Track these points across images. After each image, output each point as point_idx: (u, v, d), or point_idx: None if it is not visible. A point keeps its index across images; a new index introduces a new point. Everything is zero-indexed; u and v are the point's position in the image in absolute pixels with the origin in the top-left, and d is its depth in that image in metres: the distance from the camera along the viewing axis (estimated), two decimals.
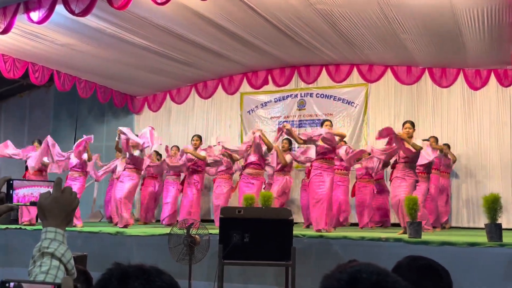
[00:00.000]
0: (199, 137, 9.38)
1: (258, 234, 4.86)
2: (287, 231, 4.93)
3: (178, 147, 10.36)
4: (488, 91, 10.07)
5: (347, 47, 9.78)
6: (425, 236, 6.16)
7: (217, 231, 5.24)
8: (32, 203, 1.59)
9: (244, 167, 8.65)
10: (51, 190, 1.43)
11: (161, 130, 12.67)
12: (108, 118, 13.23)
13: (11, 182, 1.58)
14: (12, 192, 1.58)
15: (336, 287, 1.06)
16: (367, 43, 9.47)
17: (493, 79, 10.01)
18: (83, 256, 4.69)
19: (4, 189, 1.57)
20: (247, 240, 4.84)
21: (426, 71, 10.52)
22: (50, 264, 1.29)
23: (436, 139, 9.25)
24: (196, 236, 5.21)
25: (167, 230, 5.79)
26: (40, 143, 9.63)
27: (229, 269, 5.64)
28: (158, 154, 10.99)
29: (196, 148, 9.11)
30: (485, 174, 9.84)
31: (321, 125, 7.78)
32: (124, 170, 8.94)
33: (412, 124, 7.47)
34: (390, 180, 7.72)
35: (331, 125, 7.75)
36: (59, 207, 1.40)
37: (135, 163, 8.71)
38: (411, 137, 7.34)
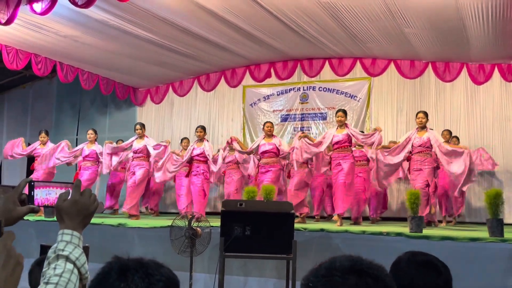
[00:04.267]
0: (203, 128, 9.09)
1: (259, 227, 4.87)
2: (288, 224, 4.94)
3: (188, 140, 10.40)
4: (491, 85, 10.04)
5: (350, 40, 9.75)
6: (426, 231, 6.16)
7: (218, 223, 5.25)
8: (47, 207, 1.60)
9: (260, 157, 8.59)
10: (70, 190, 1.43)
11: (163, 122, 12.70)
12: (111, 110, 13.25)
13: (32, 183, 1.59)
14: (33, 193, 1.59)
15: (315, 281, 1.10)
16: (370, 37, 9.44)
17: (496, 73, 9.98)
18: (85, 248, 4.71)
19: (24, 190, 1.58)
20: (248, 233, 4.85)
21: (430, 65, 10.49)
22: (64, 267, 1.29)
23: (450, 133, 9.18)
24: (198, 228, 5.23)
25: (168, 222, 5.80)
26: (47, 134, 9.66)
27: (230, 262, 5.66)
28: None
29: (200, 140, 8.98)
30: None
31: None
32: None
33: (425, 114, 7.72)
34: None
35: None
36: (77, 210, 1.39)
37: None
38: (424, 126, 7.59)
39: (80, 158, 9.61)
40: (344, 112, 8.12)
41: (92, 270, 1.20)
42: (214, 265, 5.29)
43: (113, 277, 1.11)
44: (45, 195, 1.61)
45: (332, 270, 1.09)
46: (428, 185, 7.45)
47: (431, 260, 1.79)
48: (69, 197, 1.41)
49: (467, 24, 8.19)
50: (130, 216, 8.74)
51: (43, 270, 1.30)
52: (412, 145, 7.64)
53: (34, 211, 1.56)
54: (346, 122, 8.01)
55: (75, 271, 1.30)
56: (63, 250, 1.32)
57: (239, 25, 8.98)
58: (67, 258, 1.30)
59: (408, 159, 7.83)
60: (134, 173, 9.01)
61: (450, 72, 10.35)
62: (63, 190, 1.47)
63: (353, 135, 7.84)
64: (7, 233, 1.15)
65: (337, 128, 8.00)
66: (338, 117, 8.00)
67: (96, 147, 9.44)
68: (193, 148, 8.88)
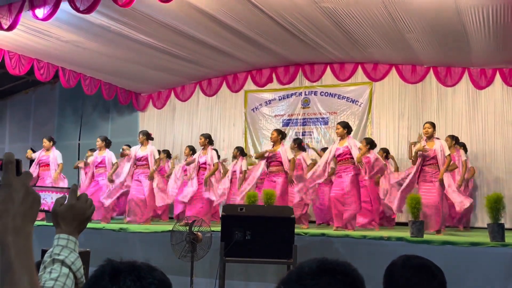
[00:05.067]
0: (203, 136, 9.05)
1: (259, 231, 4.88)
2: (289, 229, 4.94)
3: (189, 148, 10.33)
4: (493, 90, 10.03)
5: (352, 45, 9.76)
6: (427, 236, 6.16)
7: (219, 228, 5.26)
8: (42, 211, 1.61)
9: (268, 165, 8.53)
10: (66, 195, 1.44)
11: (165, 128, 12.73)
12: (113, 115, 13.27)
13: None
14: None
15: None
16: (371, 42, 9.45)
17: (498, 78, 9.97)
18: (86, 252, 4.70)
19: None
20: (248, 237, 4.87)
21: (431, 70, 10.49)
22: (60, 272, 1.30)
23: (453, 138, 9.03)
24: (198, 233, 5.23)
25: (169, 227, 5.81)
26: (50, 140, 9.60)
27: (230, 266, 5.66)
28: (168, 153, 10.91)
29: (203, 147, 9.00)
30: (490, 173, 9.81)
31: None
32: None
33: (432, 124, 7.52)
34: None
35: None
36: (73, 215, 1.40)
37: None
38: (431, 136, 7.41)
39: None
40: (342, 124, 7.82)
41: None
42: (214, 269, 5.30)
43: (106, 279, 1.12)
44: (41, 200, 1.62)
45: (303, 274, 1.14)
46: (440, 201, 7.15)
47: (425, 263, 1.80)
48: (65, 201, 1.42)
49: (468, 28, 8.19)
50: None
51: (39, 274, 1.31)
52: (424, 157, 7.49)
53: None
54: (348, 134, 7.75)
55: (71, 275, 1.31)
56: (58, 254, 1.33)
57: (240, 30, 9.00)
58: (62, 263, 1.31)
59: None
60: (140, 182, 8.92)
61: (451, 76, 10.34)
62: (59, 195, 1.47)
63: (351, 150, 7.63)
64: (25, 173, 1.16)
65: (339, 140, 7.82)
66: (336, 129, 7.89)
67: (107, 153, 9.27)
68: (199, 157, 8.91)
